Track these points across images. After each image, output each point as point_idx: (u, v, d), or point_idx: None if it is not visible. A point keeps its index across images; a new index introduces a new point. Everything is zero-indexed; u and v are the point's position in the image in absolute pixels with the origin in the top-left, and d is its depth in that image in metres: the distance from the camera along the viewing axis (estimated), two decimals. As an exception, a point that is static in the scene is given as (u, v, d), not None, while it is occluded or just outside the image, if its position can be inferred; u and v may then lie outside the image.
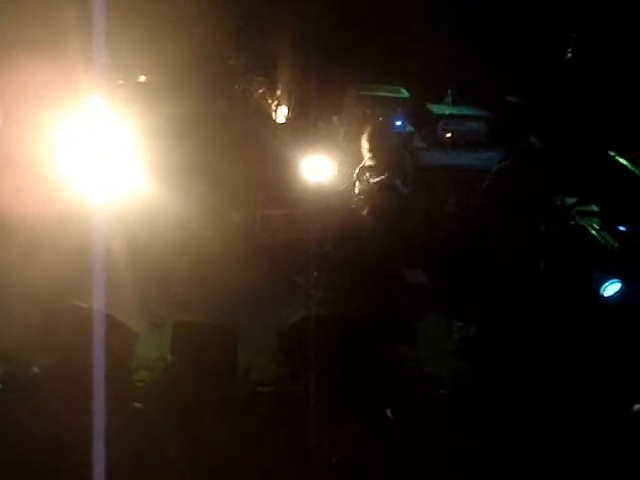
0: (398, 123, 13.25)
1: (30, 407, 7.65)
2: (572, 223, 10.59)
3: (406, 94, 13.81)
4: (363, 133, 11.71)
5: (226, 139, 13.00)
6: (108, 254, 9.72)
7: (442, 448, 7.83)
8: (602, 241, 10.08)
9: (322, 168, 11.87)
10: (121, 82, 13.28)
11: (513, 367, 9.33)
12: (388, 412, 8.20)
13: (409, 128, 13.51)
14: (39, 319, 9.34)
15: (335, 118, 14.01)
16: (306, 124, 13.75)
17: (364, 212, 11.29)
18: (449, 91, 14.25)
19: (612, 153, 10.52)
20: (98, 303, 8.88)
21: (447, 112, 14.03)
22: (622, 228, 10.11)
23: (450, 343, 10.70)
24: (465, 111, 14.09)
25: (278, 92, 14.10)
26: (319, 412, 8.14)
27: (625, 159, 10.33)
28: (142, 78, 13.72)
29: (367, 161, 11.50)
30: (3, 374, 8.75)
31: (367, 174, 11.44)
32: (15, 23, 11.94)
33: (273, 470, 7.42)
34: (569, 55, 13.45)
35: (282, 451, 7.54)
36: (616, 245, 9.97)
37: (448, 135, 13.82)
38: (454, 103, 14.22)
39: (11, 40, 11.83)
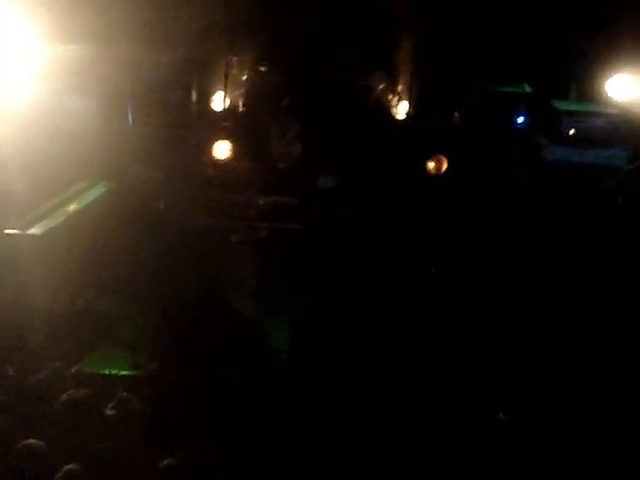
0: (520, 119, 13.07)
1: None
2: None
3: (529, 89, 13.61)
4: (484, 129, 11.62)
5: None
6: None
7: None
8: None
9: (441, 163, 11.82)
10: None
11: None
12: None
13: (532, 124, 13.32)
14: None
15: (456, 114, 13.90)
16: (426, 120, 13.71)
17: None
18: (573, 87, 13.97)
19: None
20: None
21: (571, 108, 13.76)
22: None
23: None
24: (589, 108, 13.80)
25: (399, 88, 14.07)
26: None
27: None
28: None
29: None
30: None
31: None
32: None
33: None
34: None
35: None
36: None
37: (571, 132, 13.56)
38: (579, 99, 13.94)
39: None
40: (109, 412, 6.26)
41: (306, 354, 9.33)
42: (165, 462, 5.81)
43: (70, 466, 5.35)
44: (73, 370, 8.23)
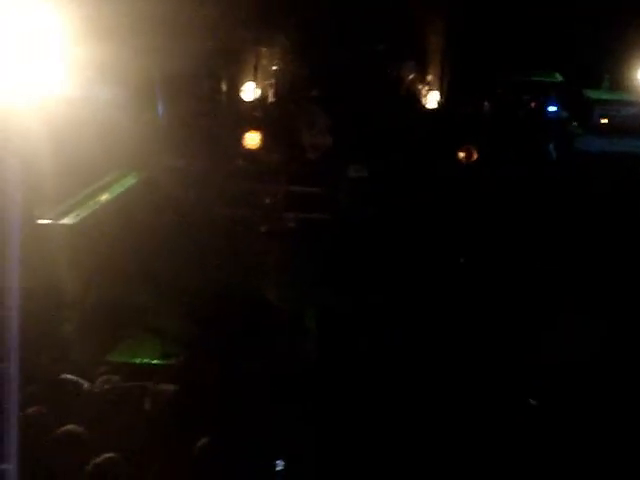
0: (552, 108, 12.98)
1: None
2: None
3: (561, 79, 13.51)
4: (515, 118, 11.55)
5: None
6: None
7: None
8: None
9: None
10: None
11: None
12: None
13: (564, 113, 13.22)
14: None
15: (487, 103, 13.82)
16: (456, 109, 13.66)
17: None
18: (606, 76, 13.85)
19: None
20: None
21: (603, 97, 13.65)
22: None
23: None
24: (622, 97, 13.67)
25: (429, 77, 14.01)
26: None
27: None
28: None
29: None
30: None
31: None
32: None
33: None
34: None
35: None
36: None
37: (604, 121, 13.45)
38: (612, 88, 13.82)
39: None
40: (145, 403, 6.28)
41: (334, 343, 9.32)
42: (201, 442, 5.83)
43: (109, 454, 5.38)
44: (105, 359, 8.27)
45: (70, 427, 5.70)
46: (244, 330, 8.93)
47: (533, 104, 12.79)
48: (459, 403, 7.95)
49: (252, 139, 13.37)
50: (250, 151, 13.35)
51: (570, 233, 11.26)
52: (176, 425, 6.18)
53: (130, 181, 11.70)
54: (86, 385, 6.69)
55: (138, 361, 8.84)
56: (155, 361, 8.83)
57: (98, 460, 5.42)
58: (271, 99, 14.10)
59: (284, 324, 9.52)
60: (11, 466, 4.57)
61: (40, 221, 9.83)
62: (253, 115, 13.80)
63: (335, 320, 9.66)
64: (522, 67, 13.65)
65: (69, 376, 6.77)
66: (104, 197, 11.07)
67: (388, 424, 7.64)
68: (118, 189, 11.42)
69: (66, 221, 10.12)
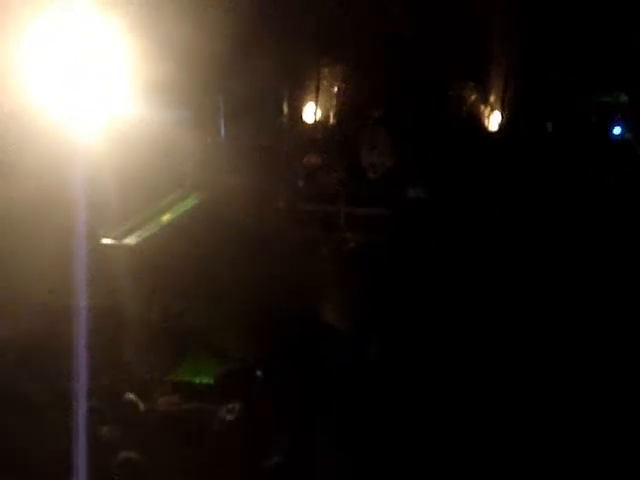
0: (617, 129, 12.80)
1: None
2: None
3: (626, 99, 13.32)
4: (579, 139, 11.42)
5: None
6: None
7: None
8: None
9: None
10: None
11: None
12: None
13: (629, 135, 13.02)
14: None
15: (549, 124, 13.68)
16: (520, 132, 13.54)
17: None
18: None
19: None
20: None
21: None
22: None
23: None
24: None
25: (491, 98, 13.91)
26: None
27: None
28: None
29: None
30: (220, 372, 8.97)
31: None
32: None
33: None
34: None
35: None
36: None
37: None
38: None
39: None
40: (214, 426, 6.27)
41: (394, 364, 9.26)
42: (273, 460, 5.81)
43: None
44: (167, 379, 8.29)
45: (129, 454, 5.69)
46: (306, 351, 8.91)
47: (598, 125, 12.57)
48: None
49: (312, 160, 13.41)
50: (310, 172, 13.38)
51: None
52: (240, 448, 6.16)
53: (192, 201, 11.79)
54: (142, 406, 6.69)
55: (198, 381, 8.85)
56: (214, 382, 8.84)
57: None
58: (332, 120, 14.13)
59: (345, 347, 9.48)
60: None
61: (104, 241, 9.93)
62: (314, 136, 13.84)
63: (396, 343, 9.59)
64: (586, 88, 13.48)
65: (130, 395, 6.80)
66: (166, 217, 11.16)
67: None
68: (181, 209, 11.51)
69: (129, 241, 10.21)
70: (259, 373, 8.62)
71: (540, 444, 7.59)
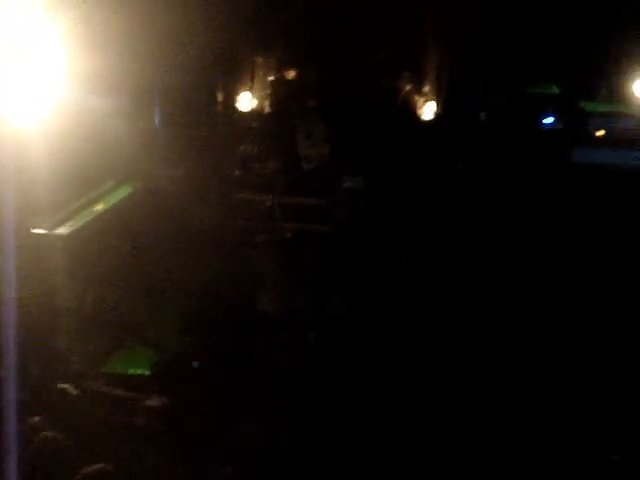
0: (548, 120, 12.99)
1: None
2: None
3: (557, 91, 13.53)
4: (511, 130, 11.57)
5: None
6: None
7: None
8: None
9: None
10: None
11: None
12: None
13: (559, 125, 13.22)
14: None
15: (483, 114, 13.84)
16: (453, 120, 13.67)
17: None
18: (602, 88, 13.87)
19: None
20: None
21: (599, 109, 13.66)
22: None
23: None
24: (618, 109, 13.68)
25: (426, 89, 14.01)
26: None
27: None
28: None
29: None
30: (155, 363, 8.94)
31: None
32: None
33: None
34: None
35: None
36: None
37: (600, 133, 13.45)
38: (608, 100, 13.84)
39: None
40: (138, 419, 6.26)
41: (332, 354, 9.31)
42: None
43: (99, 465, 5.34)
44: (99, 370, 8.23)
45: (48, 434, 5.65)
46: (240, 342, 8.91)
47: (529, 116, 12.74)
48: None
49: (248, 149, 13.38)
50: (246, 161, 13.34)
51: (563, 243, 11.25)
52: (166, 439, 6.16)
53: (126, 191, 11.68)
54: (75, 393, 6.65)
55: (132, 372, 8.81)
56: (149, 372, 8.81)
57: (88, 470, 5.38)
58: (267, 109, 14.10)
59: (281, 335, 9.51)
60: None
61: (36, 231, 9.81)
62: (249, 125, 13.81)
63: (333, 330, 9.65)
64: (519, 79, 13.66)
65: (62, 385, 6.75)
66: (100, 206, 11.05)
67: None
68: (114, 198, 11.40)
69: (61, 231, 10.09)
70: (195, 364, 8.61)
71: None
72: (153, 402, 6.52)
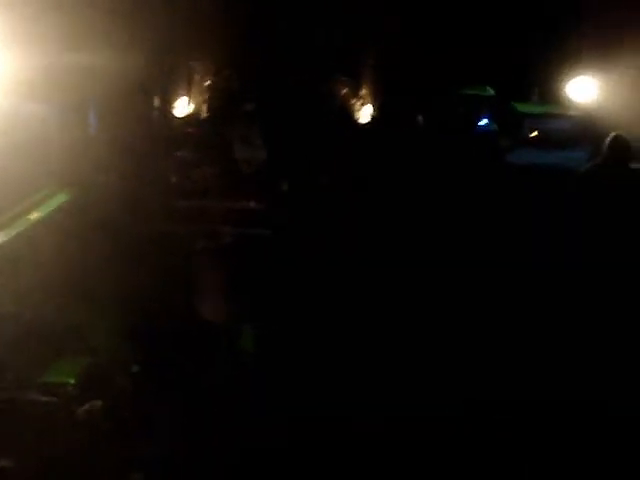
0: (483, 122, 13.14)
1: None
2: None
3: (492, 92, 13.70)
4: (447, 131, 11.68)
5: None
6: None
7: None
8: None
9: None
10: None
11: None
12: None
13: (494, 126, 13.39)
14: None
15: (420, 117, 13.95)
16: (390, 123, 13.75)
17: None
18: (535, 90, 14.08)
19: None
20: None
21: (533, 111, 13.86)
22: None
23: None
24: (551, 110, 13.90)
25: (362, 92, 14.09)
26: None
27: None
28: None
29: None
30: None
31: None
32: None
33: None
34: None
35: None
36: None
37: (534, 134, 13.66)
38: (541, 101, 14.05)
39: None
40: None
41: (274, 360, 9.32)
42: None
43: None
44: (38, 380, 8.14)
45: None
46: (179, 348, 8.88)
47: (465, 118, 12.89)
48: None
49: (185, 155, 13.32)
50: (183, 167, 13.28)
51: (502, 244, 11.37)
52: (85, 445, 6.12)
53: (62, 199, 11.54)
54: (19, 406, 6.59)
55: (73, 381, 8.72)
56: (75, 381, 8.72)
57: None
58: (204, 114, 14.07)
59: (220, 343, 9.49)
60: None
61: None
62: (185, 131, 13.76)
63: (272, 338, 9.66)
64: (454, 81, 13.80)
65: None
66: (35, 215, 10.91)
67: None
68: (50, 206, 11.26)
69: (-5, 240, 9.96)
70: (135, 369, 8.57)
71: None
72: (79, 410, 6.48)
